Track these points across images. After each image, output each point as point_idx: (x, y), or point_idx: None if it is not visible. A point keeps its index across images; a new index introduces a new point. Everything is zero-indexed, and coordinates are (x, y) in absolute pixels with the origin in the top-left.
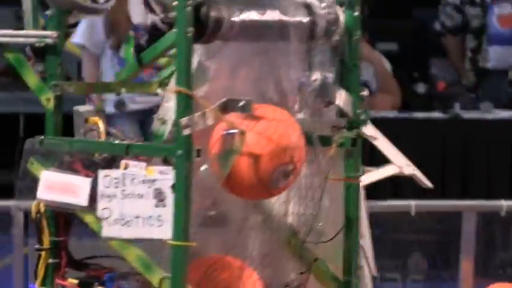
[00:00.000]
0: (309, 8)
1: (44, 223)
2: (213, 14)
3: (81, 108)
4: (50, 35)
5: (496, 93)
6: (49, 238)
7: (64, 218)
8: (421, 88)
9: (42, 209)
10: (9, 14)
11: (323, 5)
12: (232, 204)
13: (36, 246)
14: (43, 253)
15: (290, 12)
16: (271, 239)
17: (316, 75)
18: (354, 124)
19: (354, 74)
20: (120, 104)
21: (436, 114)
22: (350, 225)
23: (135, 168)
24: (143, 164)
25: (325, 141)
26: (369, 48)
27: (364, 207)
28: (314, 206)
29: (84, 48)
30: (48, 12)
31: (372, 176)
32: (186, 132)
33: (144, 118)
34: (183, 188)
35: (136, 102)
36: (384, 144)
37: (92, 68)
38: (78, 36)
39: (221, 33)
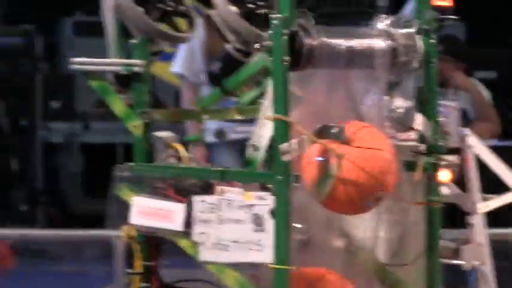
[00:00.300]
0: (390, 36)
1: (136, 248)
2: (307, 42)
3: (162, 134)
4: (137, 64)
5: None
6: (141, 263)
7: (155, 243)
8: None
9: (134, 234)
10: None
11: (403, 32)
12: (317, 228)
13: (129, 271)
14: (135, 278)
15: (373, 40)
16: (354, 262)
17: (400, 102)
18: (433, 149)
19: (433, 101)
20: (220, 134)
21: None
22: (431, 248)
23: (232, 193)
24: (239, 190)
25: (409, 166)
26: (464, 77)
27: (485, 234)
28: (398, 230)
29: (183, 77)
30: (133, 41)
31: (495, 202)
32: (286, 158)
33: (245, 148)
34: (283, 213)
35: (237, 131)
36: (503, 171)
37: (191, 97)
38: (177, 66)
39: (314, 61)
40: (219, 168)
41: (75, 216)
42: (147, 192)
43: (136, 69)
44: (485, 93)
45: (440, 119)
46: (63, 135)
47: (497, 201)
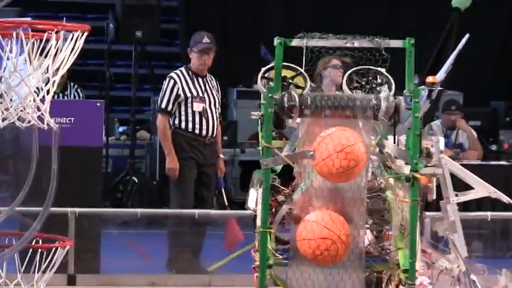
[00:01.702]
0: (377, 99)
1: None
2: (287, 105)
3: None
4: None
5: None
6: None
7: None
8: (493, 147)
9: None
10: None
11: (385, 95)
12: None
13: None
14: None
15: (360, 100)
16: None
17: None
18: (413, 169)
19: (416, 140)
20: None
21: (503, 162)
22: (412, 230)
23: None
24: None
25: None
26: (464, 123)
27: (456, 215)
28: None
29: None
30: None
31: (467, 196)
32: (264, 167)
33: None
34: (265, 188)
35: None
36: (468, 176)
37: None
38: None
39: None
40: None
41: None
42: None
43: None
44: (475, 134)
45: (430, 147)
46: (229, 156)
47: (464, 197)
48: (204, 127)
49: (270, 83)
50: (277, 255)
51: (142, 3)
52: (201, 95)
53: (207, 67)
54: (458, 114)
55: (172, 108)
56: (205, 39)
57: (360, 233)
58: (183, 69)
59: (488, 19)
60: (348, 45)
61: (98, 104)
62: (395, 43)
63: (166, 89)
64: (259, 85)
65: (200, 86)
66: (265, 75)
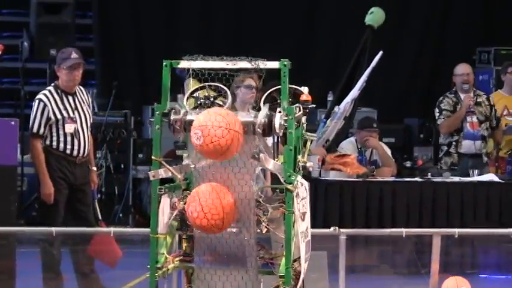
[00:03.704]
0: (255, 115)
1: None
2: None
3: None
4: None
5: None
6: None
7: None
8: (408, 164)
9: None
10: None
11: (264, 113)
12: None
13: None
14: None
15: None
16: None
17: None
18: (287, 182)
19: (290, 154)
20: None
21: (418, 179)
22: (287, 240)
23: None
24: None
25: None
26: (376, 141)
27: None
28: None
29: None
30: None
31: None
32: (152, 178)
33: None
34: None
35: None
36: None
37: None
38: None
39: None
40: None
41: None
42: None
43: None
44: (388, 151)
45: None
46: (144, 174)
47: None
48: (76, 147)
49: (195, 100)
50: (169, 257)
51: (57, 21)
52: (71, 115)
53: (77, 83)
54: (374, 132)
55: (44, 132)
56: (74, 55)
57: (251, 240)
58: (51, 88)
59: (400, 36)
60: (229, 66)
61: (12, 123)
62: (272, 64)
63: (36, 112)
64: (185, 103)
65: (70, 105)
66: (193, 95)
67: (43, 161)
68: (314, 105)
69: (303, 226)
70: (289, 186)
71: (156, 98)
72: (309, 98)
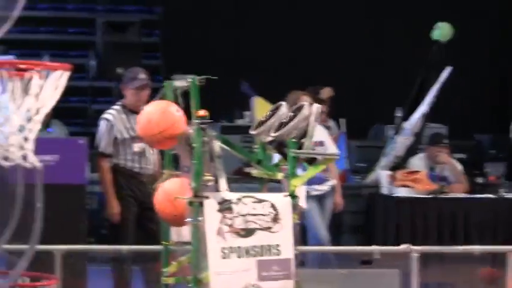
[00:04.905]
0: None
1: None
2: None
3: None
4: None
5: None
6: None
7: None
8: (479, 180)
9: None
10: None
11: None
12: None
13: None
14: None
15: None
16: None
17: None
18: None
19: (197, 167)
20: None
21: (490, 195)
22: (194, 248)
23: None
24: None
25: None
26: (447, 157)
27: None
28: None
29: None
30: None
31: None
32: None
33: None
34: None
35: (317, 190)
36: None
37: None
38: None
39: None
40: None
41: None
42: None
43: None
44: (460, 167)
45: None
46: None
47: None
48: (144, 165)
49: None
50: None
51: (123, 40)
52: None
53: (144, 103)
54: (445, 148)
55: (111, 151)
56: (141, 75)
57: None
58: (117, 107)
59: (469, 51)
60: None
61: (81, 142)
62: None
63: (103, 132)
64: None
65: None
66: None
67: (109, 180)
68: (211, 121)
69: (237, 242)
70: (194, 199)
71: (221, 114)
72: (205, 113)
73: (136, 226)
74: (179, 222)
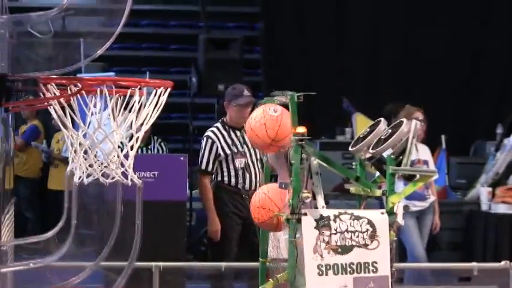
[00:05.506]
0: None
1: None
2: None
3: None
4: None
5: None
6: None
7: None
8: None
9: None
10: None
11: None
12: None
13: None
14: None
15: None
16: None
17: None
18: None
19: (297, 183)
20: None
21: None
22: (290, 266)
23: None
24: None
25: None
26: None
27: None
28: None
29: None
30: None
31: None
32: None
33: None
34: None
35: (416, 206)
36: None
37: None
38: None
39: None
40: None
41: None
42: None
43: None
44: None
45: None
46: None
47: None
48: (247, 181)
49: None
50: None
51: (225, 56)
52: (241, 150)
53: (246, 120)
54: None
55: (212, 168)
56: (246, 93)
57: None
58: (219, 125)
59: None
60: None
61: (182, 158)
62: (280, 99)
63: (205, 149)
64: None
65: (239, 140)
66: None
67: (211, 198)
68: (310, 137)
69: (334, 259)
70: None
71: (322, 131)
72: (304, 130)
73: (239, 243)
74: (273, 225)
